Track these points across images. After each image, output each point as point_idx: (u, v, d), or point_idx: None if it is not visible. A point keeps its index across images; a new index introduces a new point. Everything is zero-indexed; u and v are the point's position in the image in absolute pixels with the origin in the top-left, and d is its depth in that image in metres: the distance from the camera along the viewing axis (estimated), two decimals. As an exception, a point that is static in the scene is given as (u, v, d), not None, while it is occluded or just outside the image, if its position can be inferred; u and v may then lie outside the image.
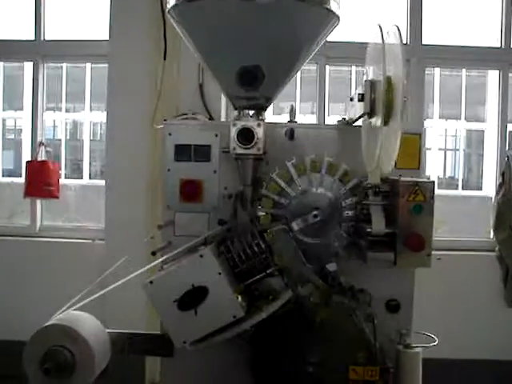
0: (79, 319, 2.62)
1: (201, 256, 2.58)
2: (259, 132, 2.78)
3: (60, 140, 9.02)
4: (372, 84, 2.57)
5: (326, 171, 2.81)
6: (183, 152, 3.05)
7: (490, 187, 5.64)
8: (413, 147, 2.97)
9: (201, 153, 3.05)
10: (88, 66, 8.37)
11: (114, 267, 2.89)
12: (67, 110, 8.97)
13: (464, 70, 8.68)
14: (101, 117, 5.83)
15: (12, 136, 9.69)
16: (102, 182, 5.36)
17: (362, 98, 2.57)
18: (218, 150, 3.04)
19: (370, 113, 2.58)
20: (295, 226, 2.77)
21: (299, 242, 2.80)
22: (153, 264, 2.77)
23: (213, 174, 3.06)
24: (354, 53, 4.86)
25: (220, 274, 2.57)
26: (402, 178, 2.58)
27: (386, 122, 2.41)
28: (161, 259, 2.81)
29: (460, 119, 9.05)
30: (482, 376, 4.98)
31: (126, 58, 4.95)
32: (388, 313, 3.05)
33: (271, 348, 2.90)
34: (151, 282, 2.59)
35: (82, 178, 8.72)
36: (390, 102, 2.39)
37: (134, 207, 4.87)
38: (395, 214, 2.56)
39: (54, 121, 9.15)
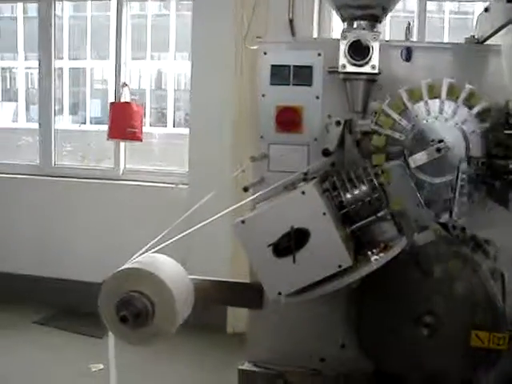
0: (159, 262, 2.23)
1: (302, 193, 2.06)
2: (375, 46, 2.17)
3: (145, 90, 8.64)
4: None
5: (446, 95, 2.18)
6: (280, 74, 2.48)
7: None
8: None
9: (301, 75, 2.47)
10: (172, 14, 7.88)
11: (198, 205, 2.37)
12: (152, 59, 8.55)
13: None
14: (185, 66, 5.47)
15: (100, 86, 9.37)
16: (186, 131, 5.03)
17: (511, -1, 1.92)
18: (321, 71, 2.45)
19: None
20: (413, 161, 2.18)
21: (417, 181, 2.25)
22: (244, 202, 2.26)
23: (315, 99, 2.48)
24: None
25: (325, 214, 2.04)
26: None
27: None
28: (252, 196, 2.28)
29: None
30: None
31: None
32: (515, 271, 2.41)
33: (379, 306, 2.33)
34: (243, 222, 2.09)
35: (165, 127, 8.30)
36: None
37: (217, 152, 4.45)
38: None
39: (140, 71, 8.75)
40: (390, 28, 5.50)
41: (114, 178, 5.20)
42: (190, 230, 2.22)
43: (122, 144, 5.24)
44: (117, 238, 4.83)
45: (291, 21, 4.36)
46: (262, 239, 2.06)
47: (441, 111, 2.22)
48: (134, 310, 2.01)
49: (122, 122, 5.02)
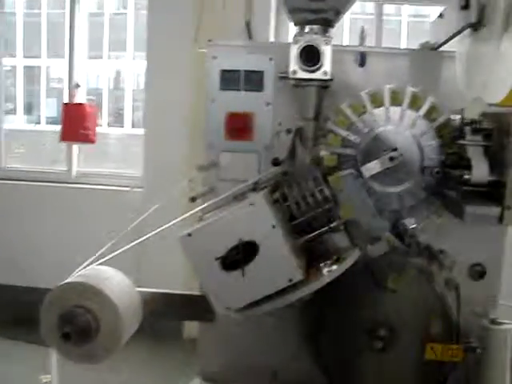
0: (104, 276, 2.10)
1: (251, 204, 1.94)
2: (327, 51, 2.07)
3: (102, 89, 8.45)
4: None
5: (408, 104, 2.10)
6: (230, 79, 2.36)
7: None
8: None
9: (252, 80, 2.35)
10: (130, 13, 7.71)
11: (143, 217, 2.26)
12: (110, 58, 8.36)
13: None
14: (144, 66, 5.34)
15: (57, 85, 9.13)
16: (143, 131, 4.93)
17: (466, 4, 1.83)
18: (272, 77, 2.34)
19: (477, 24, 1.84)
20: (366, 170, 2.09)
21: (371, 191, 2.15)
22: (191, 212, 2.14)
23: (265, 106, 2.36)
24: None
25: (274, 226, 1.93)
26: (516, 111, 1.85)
27: (503, 34, 1.68)
28: (201, 207, 2.16)
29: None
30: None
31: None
32: (471, 280, 2.35)
33: (332, 318, 2.25)
34: (189, 235, 1.97)
35: (123, 127, 8.12)
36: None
37: (172, 154, 4.33)
38: (502, 157, 1.85)
39: (98, 70, 8.56)
40: (348, 32, 5.47)
41: (66, 181, 5.06)
42: (139, 240, 2.12)
43: (76, 146, 5.08)
44: (70, 244, 4.70)
45: (248, 23, 4.26)
46: (209, 252, 1.95)
47: (401, 120, 2.13)
48: (76, 326, 1.90)
49: (75, 123, 4.88)
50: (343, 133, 2.13)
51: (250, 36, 4.21)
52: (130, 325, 2.07)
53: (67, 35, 5.06)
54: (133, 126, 7.99)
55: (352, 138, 2.13)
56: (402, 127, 2.13)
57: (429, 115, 2.13)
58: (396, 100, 2.13)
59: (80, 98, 5.04)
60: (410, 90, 2.12)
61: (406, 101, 2.11)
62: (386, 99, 2.14)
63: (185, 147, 4.25)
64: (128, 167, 5.39)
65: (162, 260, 4.00)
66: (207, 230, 1.98)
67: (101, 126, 7.64)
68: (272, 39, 4.36)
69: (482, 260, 2.34)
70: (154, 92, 4.52)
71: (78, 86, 4.98)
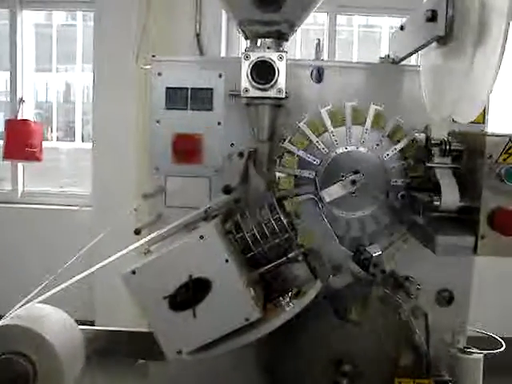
0: (40, 316, 1.91)
1: (201, 237, 1.73)
2: (281, 67, 1.87)
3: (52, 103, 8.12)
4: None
5: (371, 124, 1.92)
6: (177, 97, 2.15)
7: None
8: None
9: (200, 98, 2.14)
10: (79, 25, 7.41)
11: (84, 250, 2.03)
12: (58, 71, 8.03)
13: None
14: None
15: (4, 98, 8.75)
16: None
17: (433, 17, 1.66)
18: (222, 94, 2.13)
19: (445, 37, 1.67)
20: (327, 194, 1.90)
21: (332, 217, 1.97)
22: (135, 246, 1.91)
23: (216, 126, 2.15)
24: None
25: (227, 261, 1.73)
26: (488, 132, 1.68)
27: (475, 48, 1.51)
28: (146, 238, 1.94)
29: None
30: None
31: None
32: (439, 306, 2.18)
33: (295, 355, 2.05)
34: (133, 272, 1.75)
35: (74, 141, 7.80)
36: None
37: (122, 171, 4.03)
38: (474, 181, 1.68)
39: (47, 83, 8.22)
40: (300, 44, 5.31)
41: (11, 201, 4.76)
42: (72, 280, 1.88)
43: (20, 164, 4.79)
44: (15, 266, 4.42)
45: (198, 35, 4.07)
46: (156, 291, 1.74)
47: (363, 140, 1.96)
48: (11, 374, 1.73)
49: (19, 141, 4.57)
50: (300, 153, 1.94)
51: (200, 50, 4.04)
52: (71, 367, 1.87)
53: (9, 47, 4.76)
54: (83, 140, 7.67)
55: (310, 159, 1.94)
56: (364, 148, 1.96)
57: (393, 135, 1.96)
58: (358, 118, 1.96)
59: (26, 113, 4.74)
60: (373, 108, 1.95)
61: (369, 120, 1.94)
62: (348, 118, 1.96)
63: (134, 165, 4.00)
64: (78, 183, 5.12)
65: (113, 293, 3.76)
66: (153, 266, 1.76)
67: (50, 140, 7.35)
68: (224, 54, 4.15)
69: (449, 286, 2.18)
70: (102, 106, 4.26)
71: (22, 100, 4.68)
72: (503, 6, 1.42)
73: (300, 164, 1.98)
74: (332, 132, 1.97)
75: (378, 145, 1.96)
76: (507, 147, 1.61)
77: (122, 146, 4.11)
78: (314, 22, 5.33)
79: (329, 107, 1.97)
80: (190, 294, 1.73)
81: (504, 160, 1.62)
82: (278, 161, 1.99)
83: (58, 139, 7.64)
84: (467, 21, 1.56)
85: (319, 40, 2.19)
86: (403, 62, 2.16)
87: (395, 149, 1.95)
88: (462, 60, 1.59)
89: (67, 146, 7.70)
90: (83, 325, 2.09)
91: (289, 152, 1.97)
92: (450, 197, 1.68)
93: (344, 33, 6.96)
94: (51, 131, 7.53)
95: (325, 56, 4.26)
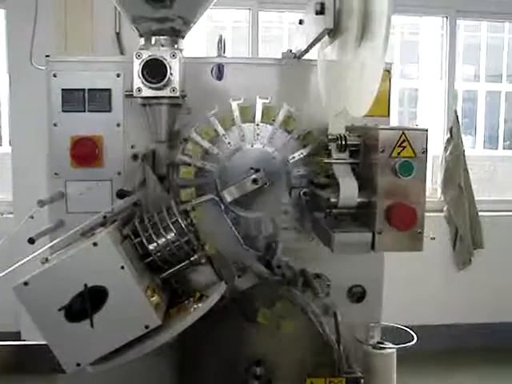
0: None
1: (94, 244, 1.65)
2: (174, 65, 1.81)
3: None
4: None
5: (261, 118, 1.88)
6: (73, 99, 2.06)
7: (435, 146, 4.81)
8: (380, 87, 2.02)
9: (98, 100, 2.05)
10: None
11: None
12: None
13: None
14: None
15: None
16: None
17: (321, 9, 1.62)
18: (121, 95, 2.05)
19: (334, 30, 1.63)
20: (227, 195, 1.86)
21: (234, 217, 1.93)
22: (34, 255, 1.81)
23: (115, 127, 2.07)
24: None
25: (123, 267, 1.65)
26: (382, 126, 1.65)
27: (361, 40, 1.48)
28: (46, 247, 1.85)
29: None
30: (432, 341, 4.15)
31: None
32: (351, 303, 2.16)
33: (206, 357, 2.00)
34: (26, 283, 1.65)
35: (1, 145, 7.52)
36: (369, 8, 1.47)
37: (42, 177, 3.83)
38: (371, 176, 1.65)
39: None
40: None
41: None
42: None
43: None
44: None
45: (118, 34, 3.95)
46: (50, 302, 1.65)
47: (256, 136, 1.91)
48: None
49: None
50: (206, 144, 1.89)
51: (120, 49, 3.93)
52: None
53: None
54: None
55: (207, 166, 1.89)
56: (271, 147, 1.92)
57: (286, 127, 1.92)
58: (247, 115, 1.92)
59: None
60: (260, 101, 1.90)
61: (279, 119, 1.91)
62: (258, 114, 1.92)
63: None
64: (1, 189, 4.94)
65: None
66: (46, 276, 1.67)
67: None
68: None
69: (361, 281, 2.16)
70: (18, 109, 4.08)
71: None
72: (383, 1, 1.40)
73: (197, 172, 1.94)
74: (240, 127, 1.92)
75: (271, 138, 1.92)
76: (400, 141, 1.59)
77: (40, 150, 3.96)
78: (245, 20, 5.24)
79: (240, 101, 1.92)
80: (87, 303, 1.66)
81: (398, 154, 1.60)
82: (180, 148, 1.92)
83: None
84: (353, 14, 1.53)
85: (221, 36, 2.12)
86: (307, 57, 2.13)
87: (302, 153, 1.92)
88: (350, 53, 1.55)
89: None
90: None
91: (193, 142, 1.92)
92: (347, 193, 1.65)
93: (274, 30, 6.94)
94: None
95: (246, 53, 4.23)
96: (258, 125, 1.95)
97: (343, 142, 1.71)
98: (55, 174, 2.09)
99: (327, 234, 1.69)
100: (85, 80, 2.05)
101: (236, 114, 1.92)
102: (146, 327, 1.68)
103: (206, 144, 1.91)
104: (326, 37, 1.75)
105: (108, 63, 2.09)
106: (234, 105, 1.92)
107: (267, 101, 1.94)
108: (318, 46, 1.92)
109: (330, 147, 1.74)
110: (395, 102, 7.07)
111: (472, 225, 4.43)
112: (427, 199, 4.17)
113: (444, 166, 4.49)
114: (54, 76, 2.05)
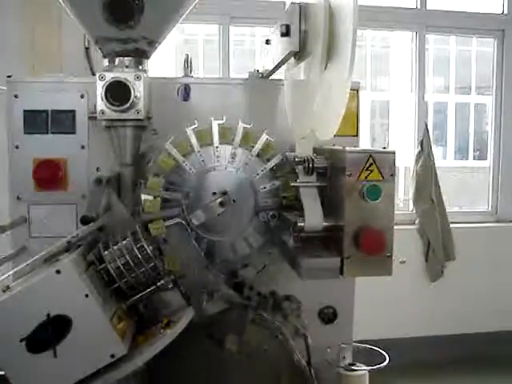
0: None
1: (57, 272, 1.59)
2: (138, 87, 1.77)
3: None
4: (303, 9, 1.60)
5: (240, 142, 1.85)
6: (36, 121, 2.01)
7: (406, 158, 4.83)
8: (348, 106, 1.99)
9: (61, 121, 2.01)
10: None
11: None
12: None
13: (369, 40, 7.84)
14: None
15: None
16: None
17: (287, 31, 1.60)
18: (86, 117, 2.00)
19: (300, 52, 1.61)
20: (195, 218, 1.82)
21: (201, 241, 1.87)
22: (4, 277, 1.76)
23: (80, 149, 2.03)
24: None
25: (87, 296, 1.60)
26: (348, 148, 1.62)
27: (326, 64, 1.46)
28: (7, 274, 1.79)
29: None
30: (404, 354, 4.14)
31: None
32: (322, 324, 2.13)
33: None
34: (-16, 313, 1.58)
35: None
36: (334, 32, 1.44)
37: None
38: (338, 199, 1.62)
39: None
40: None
41: None
42: None
43: None
44: None
45: (87, 49, 3.88)
46: (10, 333, 1.58)
47: (232, 159, 1.88)
48: None
49: None
50: (179, 158, 1.84)
51: (90, 65, 3.86)
52: None
53: None
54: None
55: (177, 179, 1.84)
56: (232, 168, 1.88)
57: (263, 154, 1.89)
58: (226, 137, 1.88)
59: None
60: (241, 126, 1.87)
61: (237, 139, 1.86)
62: (215, 136, 1.87)
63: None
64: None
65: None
66: (7, 305, 1.60)
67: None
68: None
69: (332, 302, 2.14)
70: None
71: None
72: (348, 22, 1.38)
73: (168, 186, 1.88)
74: (199, 152, 1.88)
75: (247, 164, 1.88)
76: (367, 164, 1.57)
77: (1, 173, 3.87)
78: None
79: (195, 126, 1.88)
80: (50, 333, 1.60)
81: (365, 177, 1.57)
82: (142, 183, 1.88)
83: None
84: (318, 36, 1.51)
85: (187, 56, 2.09)
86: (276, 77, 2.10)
87: (265, 168, 1.88)
88: (316, 76, 1.53)
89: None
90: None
91: (155, 174, 1.87)
92: (312, 218, 1.62)
93: (247, 44, 6.93)
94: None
95: (223, 72, 4.19)
96: (217, 147, 1.91)
97: (310, 165, 1.68)
98: (17, 197, 2.03)
99: (295, 258, 1.66)
100: (48, 101, 2.01)
101: (215, 133, 1.87)
102: (112, 356, 1.63)
103: (179, 158, 1.86)
104: (292, 58, 1.73)
105: (72, 84, 2.04)
106: (214, 124, 1.87)
107: (248, 126, 1.90)
108: (284, 66, 1.90)
109: (296, 170, 1.71)
110: (367, 115, 7.14)
111: (444, 237, 4.45)
112: (399, 212, 4.18)
113: (415, 178, 4.49)
114: (16, 97, 2.00)
